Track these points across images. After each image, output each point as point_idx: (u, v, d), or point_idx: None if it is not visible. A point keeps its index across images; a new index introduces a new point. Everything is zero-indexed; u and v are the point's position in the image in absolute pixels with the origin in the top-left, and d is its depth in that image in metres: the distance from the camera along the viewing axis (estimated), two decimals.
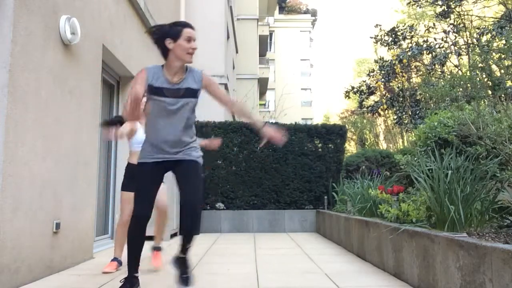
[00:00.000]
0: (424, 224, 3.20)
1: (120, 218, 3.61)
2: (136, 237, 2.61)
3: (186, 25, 2.59)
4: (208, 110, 10.25)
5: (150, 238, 6.00)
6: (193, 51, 2.56)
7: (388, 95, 10.82)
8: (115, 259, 3.67)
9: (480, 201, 2.95)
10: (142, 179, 2.62)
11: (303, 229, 7.39)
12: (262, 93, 28.49)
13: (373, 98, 11.83)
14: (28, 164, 3.13)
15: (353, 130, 14.77)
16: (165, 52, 2.59)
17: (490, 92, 5.84)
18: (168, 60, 2.59)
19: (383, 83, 10.79)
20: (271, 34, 35.94)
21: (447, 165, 3.25)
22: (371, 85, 11.15)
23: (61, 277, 3.34)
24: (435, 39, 9.64)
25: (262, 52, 28.09)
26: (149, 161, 2.64)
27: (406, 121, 10.09)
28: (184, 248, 2.67)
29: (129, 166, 3.69)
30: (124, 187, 3.64)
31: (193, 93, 2.64)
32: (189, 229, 2.57)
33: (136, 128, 3.65)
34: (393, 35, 10.19)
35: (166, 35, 2.55)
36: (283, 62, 36.65)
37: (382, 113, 11.98)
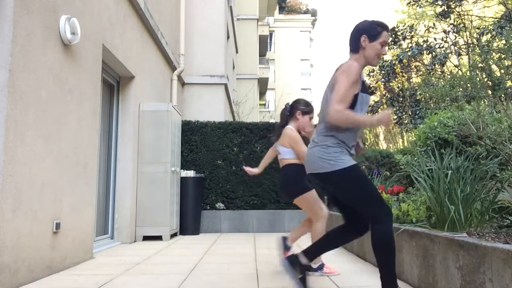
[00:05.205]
0: (424, 224, 3.20)
1: (320, 217, 3.40)
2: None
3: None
4: (209, 110, 10.26)
5: (156, 238, 6.01)
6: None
7: (388, 95, 10.83)
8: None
9: (480, 201, 2.95)
10: (369, 180, 2.41)
11: None
12: (262, 93, 28.51)
13: (373, 98, 11.84)
14: (28, 164, 3.13)
15: None
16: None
17: (490, 92, 5.84)
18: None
19: (383, 83, 10.80)
20: (271, 34, 35.95)
21: (447, 165, 3.25)
22: (371, 85, 11.16)
23: (61, 277, 3.34)
24: (435, 39, 9.65)
25: (262, 52, 28.11)
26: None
27: (406, 121, 10.10)
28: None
29: (292, 168, 3.48)
30: (307, 188, 3.40)
31: None
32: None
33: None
34: (393, 35, 10.19)
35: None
36: (283, 62, 36.65)
37: None
